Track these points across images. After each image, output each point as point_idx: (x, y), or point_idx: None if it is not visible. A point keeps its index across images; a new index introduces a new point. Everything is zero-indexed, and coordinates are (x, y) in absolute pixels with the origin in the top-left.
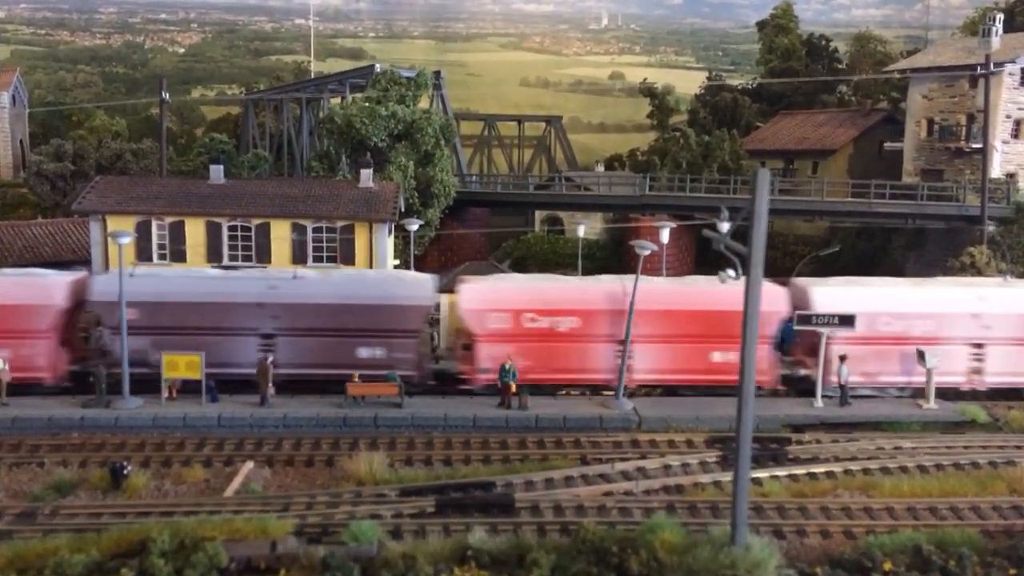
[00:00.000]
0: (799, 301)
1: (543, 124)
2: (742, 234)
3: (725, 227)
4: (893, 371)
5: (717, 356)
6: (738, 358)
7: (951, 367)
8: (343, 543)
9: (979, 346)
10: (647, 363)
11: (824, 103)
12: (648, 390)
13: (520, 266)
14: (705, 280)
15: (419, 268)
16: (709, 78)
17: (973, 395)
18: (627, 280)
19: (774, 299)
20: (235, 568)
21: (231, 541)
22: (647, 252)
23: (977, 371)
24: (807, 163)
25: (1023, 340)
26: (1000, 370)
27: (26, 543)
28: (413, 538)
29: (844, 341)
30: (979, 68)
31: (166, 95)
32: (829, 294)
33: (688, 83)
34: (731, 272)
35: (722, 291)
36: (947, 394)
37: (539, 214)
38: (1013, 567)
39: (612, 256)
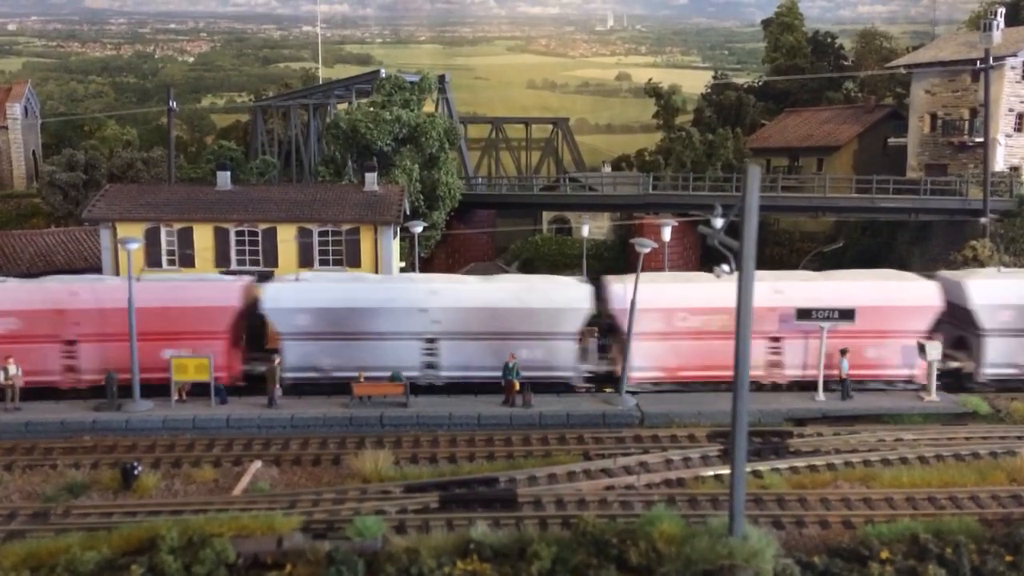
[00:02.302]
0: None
1: (550, 126)
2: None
3: (719, 223)
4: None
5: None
6: None
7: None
8: (348, 538)
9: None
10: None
11: (830, 100)
12: None
13: (528, 267)
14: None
15: (426, 270)
16: (715, 77)
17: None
18: None
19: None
20: (242, 564)
21: (238, 537)
22: (647, 250)
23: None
24: (812, 160)
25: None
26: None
27: (39, 542)
28: (417, 533)
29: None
30: (979, 62)
31: (173, 104)
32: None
33: (694, 83)
34: (725, 267)
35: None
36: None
37: (547, 215)
38: (1009, 554)
39: (620, 256)
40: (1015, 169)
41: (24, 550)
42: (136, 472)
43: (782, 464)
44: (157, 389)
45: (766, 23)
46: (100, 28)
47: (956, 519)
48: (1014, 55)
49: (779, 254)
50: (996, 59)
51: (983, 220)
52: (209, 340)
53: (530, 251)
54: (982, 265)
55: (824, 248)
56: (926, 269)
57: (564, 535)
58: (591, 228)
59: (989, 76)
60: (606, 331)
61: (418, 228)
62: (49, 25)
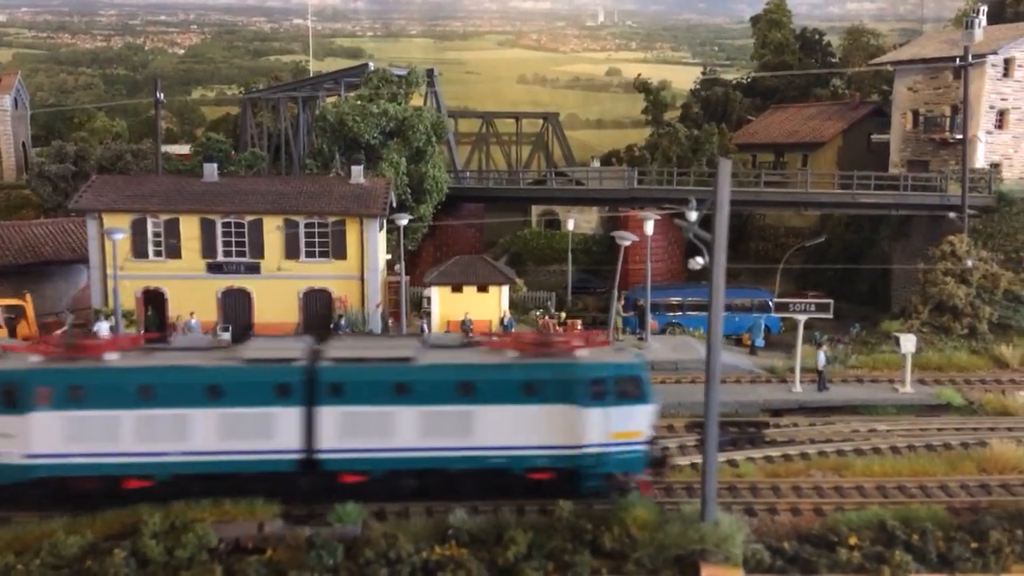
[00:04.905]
0: None
1: (540, 121)
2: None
3: (694, 216)
4: None
5: None
6: None
7: None
8: (328, 524)
9: None
10: None
11: (818, 97)
12: None
13: (516, 261)
14: None
15: (414, 263)
16: (704, 73)
17: None
18: None
19: None
20: (224, 548)
21: (220, 523)
22: (627, 243)
23: None
24: (797, 156)
25: None
26: None
27: (23, 526)
28: (396, 519)
29: None
30: (959, 60)
31: (161, 95)
32: None
33: (684, 78)
34: (699, 259)
35: None
36: None
37: (535, 210)
38: (975, 541)
39: (608, 250)
40: (996, 166)
41: (9, 534)
42: None
43: (757, 454)
44: None
45: (755, 19)
46: (90, 19)
47: (925, 507)
48: (995, 53)
49: (764, 249)
50: (977, 57)
51: (951, 215)
52: None
53: (519, 245)
54: (959, 260)
55: (807, 243)
56: (906, 264)
57: (540, 521)
58: (580, 222)
59: (969, 73)
60: None
61: (403, 221)
62: (39, 16)
